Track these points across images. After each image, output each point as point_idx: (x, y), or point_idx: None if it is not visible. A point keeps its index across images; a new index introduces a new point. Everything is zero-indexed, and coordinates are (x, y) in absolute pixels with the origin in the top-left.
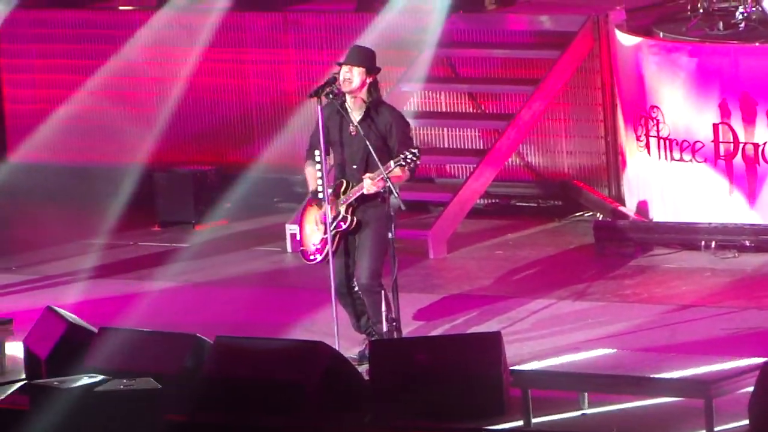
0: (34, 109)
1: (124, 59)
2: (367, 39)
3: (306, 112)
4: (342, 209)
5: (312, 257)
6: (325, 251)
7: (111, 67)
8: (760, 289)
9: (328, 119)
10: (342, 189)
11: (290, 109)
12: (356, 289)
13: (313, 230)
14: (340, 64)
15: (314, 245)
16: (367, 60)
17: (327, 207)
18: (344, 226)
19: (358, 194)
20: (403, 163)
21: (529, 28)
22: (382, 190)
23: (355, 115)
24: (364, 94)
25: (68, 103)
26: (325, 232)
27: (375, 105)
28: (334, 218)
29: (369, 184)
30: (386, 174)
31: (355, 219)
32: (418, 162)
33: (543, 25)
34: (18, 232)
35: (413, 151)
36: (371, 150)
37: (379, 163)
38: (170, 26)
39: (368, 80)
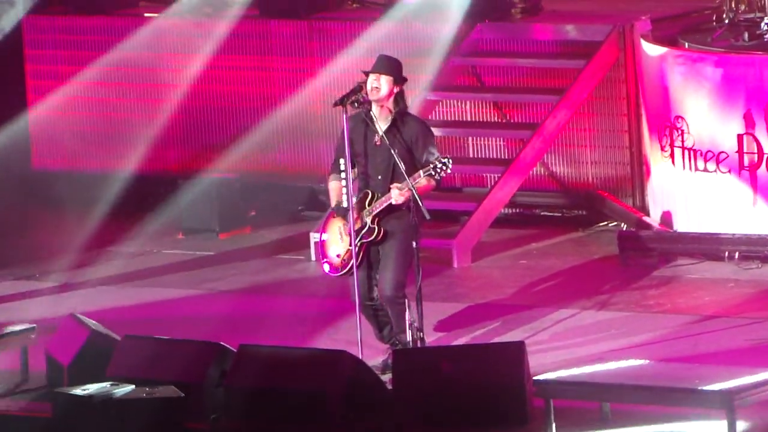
0: (59, 116)
1: (149, 66)
2: (393, 47)
3: (331, 121)
4: (368, 220)
5: (336, 270)
6: (350, 263)
7: (135, 75)
8: None
9: (353, 130)
10: (367, 200)
11: (315, 118)
12: (378, 300)
13: (337, 242)
14: (367, 73)
15: (339, 257)
16: (395, 69)
17: (351, 218)
18: (371, 238)
19: (384, 205)
20: (433, 173)
21: (554, 38)
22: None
23: (381, 125)
24: (390, 103)
25: (92, 110)
26: (351, 244)
27: (401, 115)
28: (360, 230)
29: (397, 195)
30: (413, 184)
31: (382, 230)
32: (448, 171)
33: (568, 35)
34: (42, 239)
35: (443, 161)
36: (397, 160)
37: (405, 174)
38: (196, 34)
39: (395, 89)
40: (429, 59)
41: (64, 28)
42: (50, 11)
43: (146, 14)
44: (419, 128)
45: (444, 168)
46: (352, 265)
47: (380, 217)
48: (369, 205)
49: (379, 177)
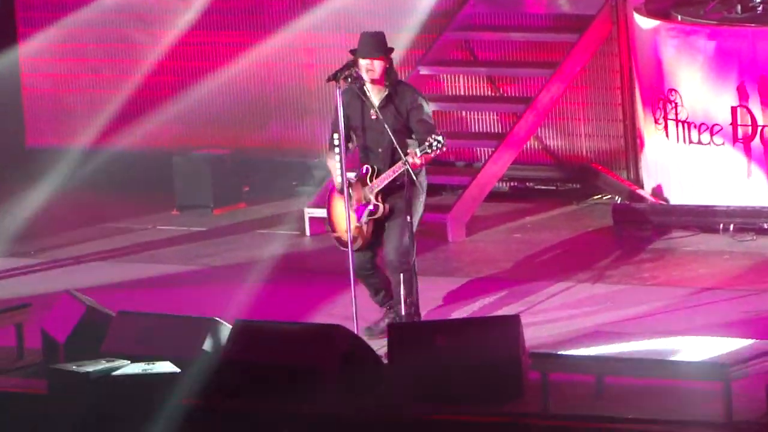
0: (52, 94)
1: (141, 43)
2: (386, 22)
3: (325, 96)
4: (371, 197)
5: (348, 245)
6: (359, 239)
7: (128, 52)
8: None
9: (347, 105)
10: (368, 175)
11: (309, 93)
12: (372, 270)
13: (345, 218)
14: (356, 56)
15: (347, 232)
16: (383, 48)
17: (346, 192)
18: (377, 215)
19: (387, 180)
20: (429, 151)
21: (547, 11)
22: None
23: (376, 99)
24: (382, 79)
25: (85, 87)
26: (347, 219)
27: (394, 86)
28: (365, 206)
29: (409, 161)
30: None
31: (386, 206)
32: (443, 148)
33: (561, 9)
34: (36, 216)
35: (438, 138)
36: (392, 137)
37: (400, 152)
38: (187, 10)
39: (386, 65)
40: (422, 34)
41: (56, 6)
42: None
43: None
44: (412, 98)
45: (439, 145)
46: (363, 241)
47: (383, 192)
48: (370, 181)
49: (380, 150)
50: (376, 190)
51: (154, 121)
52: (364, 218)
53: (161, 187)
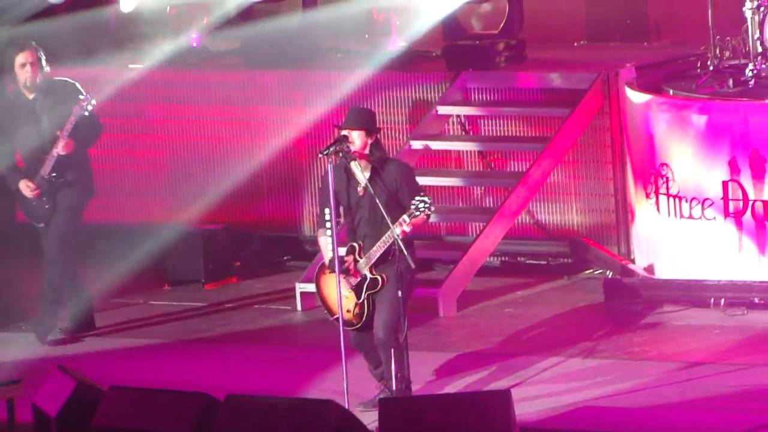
0: None
1: (135, 117)
2: (377, 96)
3: (316, 171)
4: (366, 272)
5: (349, 324)
6: (363, 315)
7: (121, 126)
8: None
9: (335, 182)
10: (357, 252)
11: (300, 168)
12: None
13: (343, 297)
14: (340, 128)
15: (348, 312)
16: (365, 122)
17: (337, 269)
18: (375, 289)
19: (378, 254)
20: (417, 214)
21: (539, 86)
22: (395, 247)
23: (362, 175)
24: (367, 154)
25: None
26: (338, 290)
27: (381, 162)
28: (362, 282)
29: (398, 233)
30: (399, 230)
31: (383, 277)
32: (431, 209)
33: (553, 83)
34: (28, 290)
35: (423, 199)
36: (382, 209)
37: (390, 223)
38: (180, 84)
39: (369, 141)
40: (414, 108)
41: None
42: None
43: (131, 65)
44: (399, 172)
45: (425, 206)
46: (365, 318)
47: (376, 265)
48: (360, 257)
49: (368, 227)
50: (369, 264)
51: (145, 196)
52: (363, 295)
53: (152, 262)
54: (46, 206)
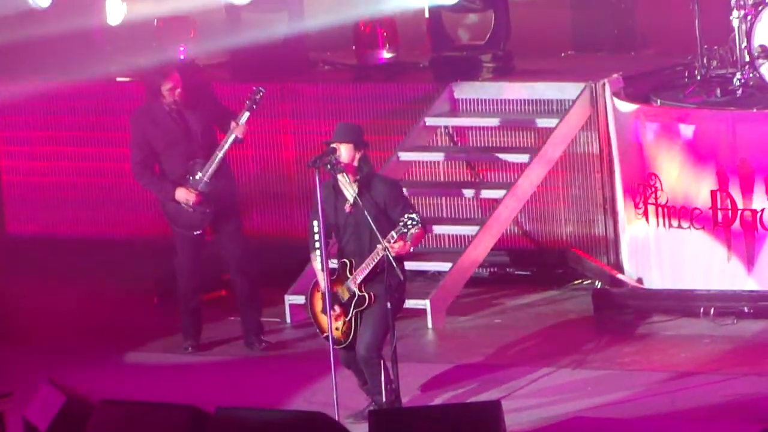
0: (31, 182)
1: (122, 131)
2: (366, 108)
3: (304, 182)
4: (355, 290)
5: (338, 342)
6: (350, 333)
7: (108, 139)
8: (760, 356)
9: (324, 201)
10: (347, 270)
11: (289, 179)
12: None
13: (333, 315)
14: (328, 143)
15: (337, 329)
16: (352, 136)
17: (327, 286)
18: (363, 306)
19: (367, 271)
20: (405, 231)
21: (526, 96)
22: (386, 261)
23: (350, 190)
24: (354, 169)
25: (65, 175)
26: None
27: (368, 178)
28: (351, 300)
29: (389, 250)
30: (389, 245)
31: (371, 295)
32: (419, 226)
33: (540, 93)
34: (17, 305)
35: (412, 216)
36: (372, 225)
37: (379, 236)
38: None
39: (357, 155)
40: (402, 120)
41: (36, 93)
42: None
43: (118, 78)
44: (388, 189)
45: (414, 223)
46: (351, 337)
47: (364, 282)
48: (350, 274)
49: (356, 244)
50: (358, 281)
51: (132, 209)
52: (351, 312)
53: (141, 275)
54: (207, 211)
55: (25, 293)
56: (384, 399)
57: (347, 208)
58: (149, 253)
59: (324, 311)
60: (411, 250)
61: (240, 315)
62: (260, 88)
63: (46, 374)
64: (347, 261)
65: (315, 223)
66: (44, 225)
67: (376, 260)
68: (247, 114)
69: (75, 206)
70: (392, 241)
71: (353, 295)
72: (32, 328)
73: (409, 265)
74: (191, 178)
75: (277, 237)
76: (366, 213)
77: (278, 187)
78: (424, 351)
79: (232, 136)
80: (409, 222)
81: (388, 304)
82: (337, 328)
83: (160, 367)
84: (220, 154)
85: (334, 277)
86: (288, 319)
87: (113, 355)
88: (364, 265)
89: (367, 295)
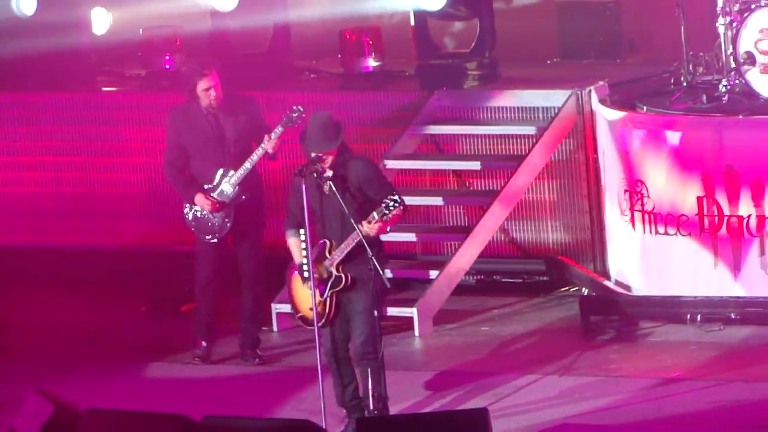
0: (17, 192)
1: (108, 141)
2: (351, 116)
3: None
4: (333, 270)
5: (311, 323)
6: (325, 314)
7: (95, 149)
8: (746, 362)
9: (308, 187)
10: (327, 249)
11: (276, 188)
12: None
13: (307, 296)
14: (306, 149)
15: (311, 309)
16: (332, 142)
17: (313, 287)
18: (340, 286)
19: (346, 251)
20: (387, 212)
21: (512, 104)
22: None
23: (327, 173)
24: (335, 161)
25: (51, 185)
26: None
27: (345, 161)
28: (327, 279)
29: (366, 230)
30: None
31: (348, 276)
32: (401, 207)
33: (526, 101)
34: (4, 315)
35: (394, 198)
36: (345, 207)
37: (352, 219)
38: (154, 107)
39: (336, 151)
40: (388, 128)
41: (21, 103)
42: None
43: (104, 88)
44: (365, 169)
45: (396, 205)
46: (327, 316)
47: (343, 264)
48: (329, 254)
49: (335, 224)
50: (336, 262)
51: (121, 218)
52: (327, 292)
53: (129, 285)
54: (226, 219)
55: (12, 304)
56: (371, 406)
57: (326, 189)
58: (137, 263)
59: (299, 295)
60: (388, 230)
61: (239, 327)
62: (299, 107)
63: (34, 384)
64: (327, 241)
65: (301, 231)
66: (31, 235)
67: (355, 241)
68: (280, 129)
69: (61, 216)
70: (373, 221)
71: (330, 275)
72: (19, 338)
73: (397, 273)
74: (214, 185)
75: (266, 245)
76: (338, 195)
77: (266, 195)
78: (411, 359)
79: (262, 150)
80: (392, 204)
81: (376, 311)
82: (311, 308)
83: (147, 375)
84: (248, 165)
85: (314, 257)
86: (275, 327)
87: (101, 365)
88: (343, 245)
89: (344, 276)
